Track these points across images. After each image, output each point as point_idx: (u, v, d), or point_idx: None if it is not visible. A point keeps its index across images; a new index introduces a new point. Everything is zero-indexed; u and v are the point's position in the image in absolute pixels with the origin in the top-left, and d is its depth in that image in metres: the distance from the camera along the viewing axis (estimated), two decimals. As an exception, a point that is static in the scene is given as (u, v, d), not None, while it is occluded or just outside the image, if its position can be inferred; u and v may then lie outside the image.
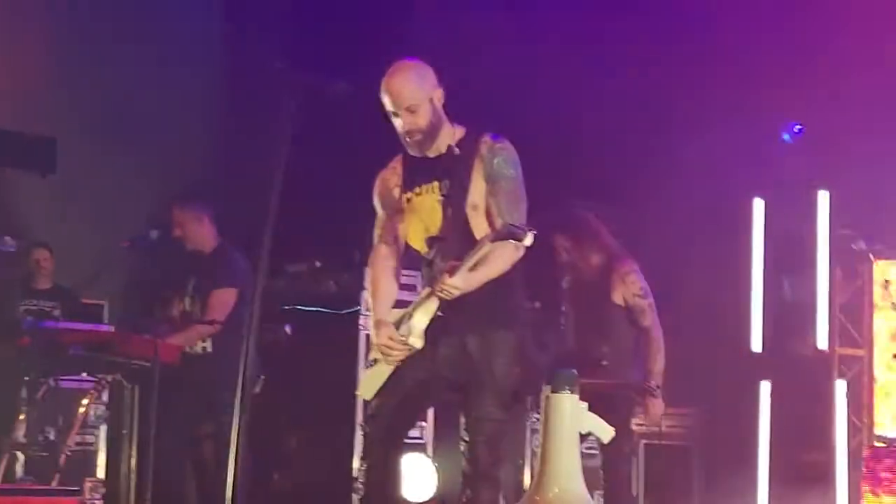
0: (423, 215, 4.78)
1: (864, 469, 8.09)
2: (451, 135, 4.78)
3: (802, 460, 8.36)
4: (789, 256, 8.57)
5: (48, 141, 9.17)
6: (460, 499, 4.74)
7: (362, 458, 4.85)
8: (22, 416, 7.03)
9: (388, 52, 4.89)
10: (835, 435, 8.28)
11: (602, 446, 5.97)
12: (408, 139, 4.75)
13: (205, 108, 10.16)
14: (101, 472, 7.85)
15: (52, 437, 7.40)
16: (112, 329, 7.97)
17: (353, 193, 5.42)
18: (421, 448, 8.26)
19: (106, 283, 8.38)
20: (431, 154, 4.79)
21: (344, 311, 8.35)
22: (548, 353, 6.77)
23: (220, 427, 6.65)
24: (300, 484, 8.45)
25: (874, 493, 7.98)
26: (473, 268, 4.54)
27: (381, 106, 4.75)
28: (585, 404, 4.77)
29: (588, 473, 4.84)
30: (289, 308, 8.24)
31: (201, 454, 7.09)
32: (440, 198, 4.72)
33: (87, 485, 7.60)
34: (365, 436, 4.84)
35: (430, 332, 4.65)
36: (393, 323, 4.74)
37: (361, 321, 8.17)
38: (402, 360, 4.69)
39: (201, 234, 7.24)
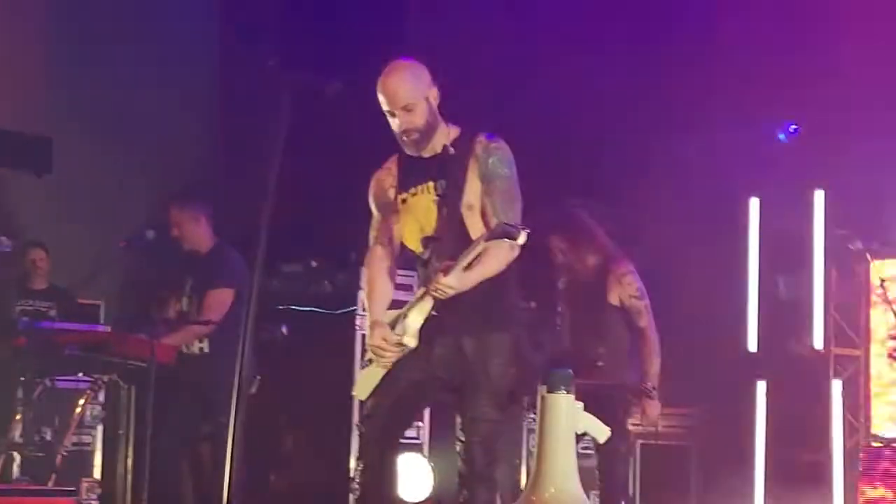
0: (419, 215, 4.78)
1: (860, 468, 8.10)
2: (446, 135, 4.78)
3: (799, 460, 8.35)
4: (785, 256, 8.57)
5: (44, 140, 9.14)
6: (456, 499, 4.74)
7: (358, 458, 4.84)
8: (18, 417, 7.04)
9: (384, 52, 4.90)
10: (831, 435, 8.28)
11: (598, 446, 5.97)
12: (404, 138, 4.75)
13: (201, 108, 10.17)
14: (97, 473, 7.84)
15: (48, 437, 7.40)
16: (108, 329, 8.01)
17: (348, 193, 5.41)
18: (417, 448, 8.26)
19: (102, 283, 8.35)
20: (426, 154, 4.79)
21: (340, 312, 8.34)
22: (543, 354, 6.77)
23: (216, 427, 6.64)
24: (297, 484, 8.44)
25: (873, 487, 8.01)
26: (468, 267, 4.54)
27: (379, 105, 4.75)
28: (581, 404, 4.76)
29: (584, 474, 4.82)
30: (285, 308, 8.25)
31: (198, 454, 7.08)
32: (435, 198, 4.72)
33: (84, 485, 7.60)
34: (361, 436, 4.84)
35: (425, 331, 4.64)
36: (388, 323, 4.74)
37: (357, 321, 8.17)
38: (396, 361, 4.69)
39: (198, 234, 7.22)
